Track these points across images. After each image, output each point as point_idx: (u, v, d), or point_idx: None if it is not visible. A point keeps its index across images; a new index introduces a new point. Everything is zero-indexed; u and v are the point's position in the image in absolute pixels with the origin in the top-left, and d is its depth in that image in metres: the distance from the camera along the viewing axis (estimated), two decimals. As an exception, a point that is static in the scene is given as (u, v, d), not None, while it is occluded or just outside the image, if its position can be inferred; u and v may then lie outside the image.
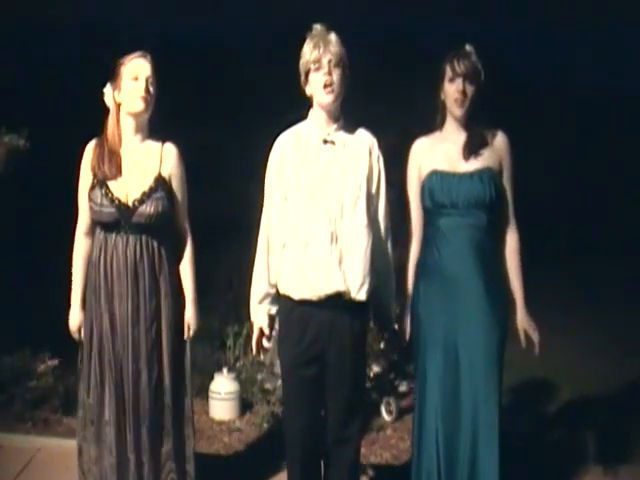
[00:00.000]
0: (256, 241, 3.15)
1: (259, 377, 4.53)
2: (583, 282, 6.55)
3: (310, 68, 2.96)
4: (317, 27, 3.02)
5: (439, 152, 3.11)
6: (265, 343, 3.15)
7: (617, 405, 4.59)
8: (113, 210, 3.05)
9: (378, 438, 4.31)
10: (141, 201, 3.06)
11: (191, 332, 3.22)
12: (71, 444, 4.01)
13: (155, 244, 3.11)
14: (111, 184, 3.08)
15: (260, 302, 3.13)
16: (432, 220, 3.12)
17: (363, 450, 3.95)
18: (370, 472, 3.90)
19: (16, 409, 4.36)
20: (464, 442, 3.04)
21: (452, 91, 3.04)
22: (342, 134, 3.03)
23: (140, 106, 3.06)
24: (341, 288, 2.96)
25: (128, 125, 3.12)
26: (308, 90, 3.02)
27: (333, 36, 2.99)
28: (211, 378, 4.55)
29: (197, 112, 7.70)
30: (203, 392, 4.58)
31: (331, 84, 2.94)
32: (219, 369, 4.58)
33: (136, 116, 3.10)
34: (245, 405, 4.59)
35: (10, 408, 4.38)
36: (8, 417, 4.33)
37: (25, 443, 4.10)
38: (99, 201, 3.07)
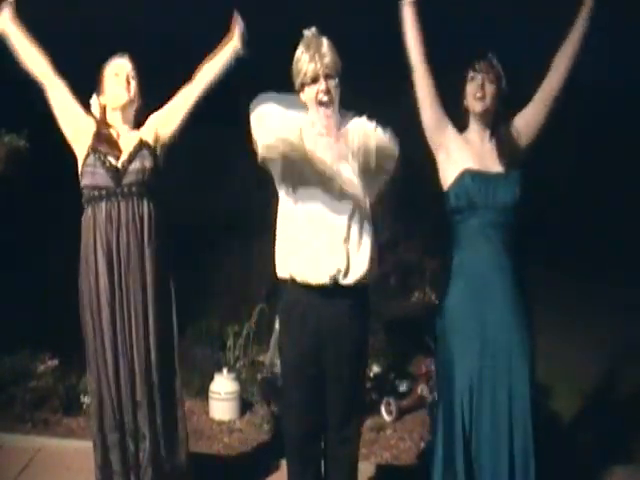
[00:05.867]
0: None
1: (259, 377, 4.53)
2: (583, 282, 6.54)
3: (306, 82, 2.93)
4: (308, 34, 2.96)
5: (468, 151, 3.12)
6: None
7: (617, 405, 4.59)
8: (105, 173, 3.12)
9: (378, 438, 4.30)
10: (129, 161, 3.14)
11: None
12: (71, 444, 4.04)
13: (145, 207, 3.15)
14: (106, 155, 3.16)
15: None
16: (464, 219, 3.12)
17: (363, 450, 3.96)
18: (370, 472, 3.90)
19: (16, 409, 4.35)
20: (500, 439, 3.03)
21: (472, 88, 3.09)
22: (338, 124, 2.98)
23: (124, 97, 3.15)
24: (343, 266, 2.93)
25: (116, 120, 3.19)
26: (302, 97, 2.98)
27: (326, 44, 2.93)
28: (211, 378, 4.55)
29: (196, 112, 7.68)
30: (203, 392, 4.59)
31: (328, 102, 2.92)
32: (219, 369, 4.57)
33: (122, 109, 3.18)
34: (245, 405, 4.58)
35: (10, 408, 4.37)
36: (8, 417, 4.33)
37: (25, 443, 4.09)
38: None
